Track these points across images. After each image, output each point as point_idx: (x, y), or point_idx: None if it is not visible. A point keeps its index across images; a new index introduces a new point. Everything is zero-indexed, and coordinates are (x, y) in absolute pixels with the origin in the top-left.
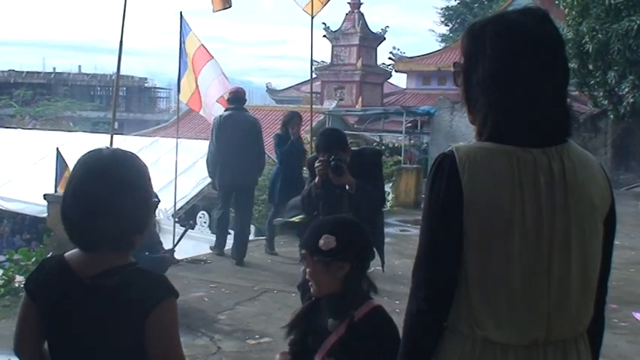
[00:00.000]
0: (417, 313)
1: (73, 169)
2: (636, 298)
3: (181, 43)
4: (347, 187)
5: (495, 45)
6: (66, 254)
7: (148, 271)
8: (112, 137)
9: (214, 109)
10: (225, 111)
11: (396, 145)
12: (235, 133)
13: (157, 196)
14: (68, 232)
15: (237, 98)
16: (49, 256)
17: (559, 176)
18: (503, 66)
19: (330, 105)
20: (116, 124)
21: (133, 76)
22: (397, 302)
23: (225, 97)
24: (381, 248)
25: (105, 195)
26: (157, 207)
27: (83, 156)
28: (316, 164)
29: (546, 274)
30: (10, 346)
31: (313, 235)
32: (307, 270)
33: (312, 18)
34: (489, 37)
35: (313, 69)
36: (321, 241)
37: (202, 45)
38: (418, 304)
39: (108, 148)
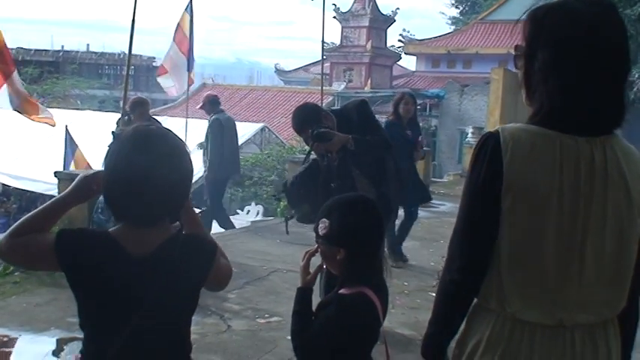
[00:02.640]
0: (449, 284)
1: (118, 145)
2: None
3: (191, 23)
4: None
5: (557, 33)
6: (111, 231)
7: (194, 235)
8: (122, 116)
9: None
10: (217, 114)
11: None
12: (234, 133)
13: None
14: (118, 208)
15: (219, 102)
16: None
17: (600, 167)
18: (563, 54)
19: (339, 86)
20: (122, 102)
21: (141, 55)
22: (406, 284)
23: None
24: (391, 189)
25: (158, 167)
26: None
27: (129, 132)
28: (310, 148)
29: (578, 260)
30: (21, 322)
31: (318, 218)
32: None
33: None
34: (551, 25)
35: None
36: (320, 225)
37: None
38: (452, 275)
39: (153, 125)
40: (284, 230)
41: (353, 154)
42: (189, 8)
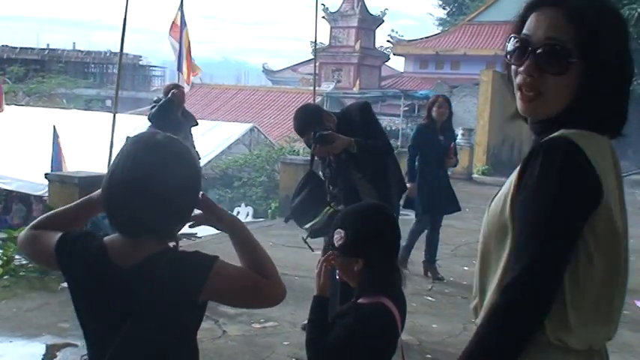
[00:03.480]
0: (526, 323)
1: (123, 151)
2: (637, 286)
3: (182, 21)
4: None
5: (619, 33)
6: (105, 239)
7: (187, 252)
8: (114, 116)
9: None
10: None
11: (393, 128)
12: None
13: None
14: (112, 217)
15: None
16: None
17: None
18: (625, 57)
19: (327, 87)
20: (109, 101)
21: (127, 54)
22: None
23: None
24: (393, 193)
25: (155, 179)
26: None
27: (134, 138)
28: (312, 150)
29: (623, 277)
30: (12, 327)
31: (333, 229)
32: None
33: None
34: (611, 24)
35: (311, 50)
36: (335, 236)
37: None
38: (524, 321)
39: (160, 133)
40: (276, 233)
41: (355, 157)
42: (181, 6)
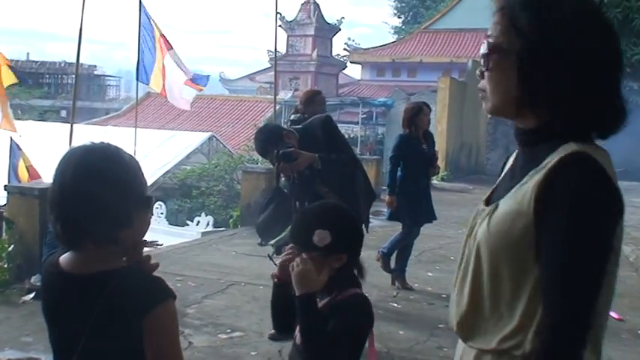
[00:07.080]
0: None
1: (59, 163)
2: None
3: (140, 30)
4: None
5: (572, 27)
6: (61, 257)
7: (143, 274)
8: (71, 127)
9: (184, 94)
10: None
11: (351, 135)
12: None
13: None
14: (54, 230)
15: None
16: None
17: None
18: (592, 54)
19: (285, 95)
20: (64, 112)
21: (82, 64)
22: (366, 294)
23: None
24: (361, 205)
25: (79, 188)
26: (149, 204)
27: (68, 150)
28: (276, 169)
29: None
30: None
31: (303, 230)
32: (297, 265)
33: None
34: (559, 18)
35: (268, 59)
36: (316, 238)
37: (162, 35)
38: (571, 347)
39: (93, 143)
40: (239, 242)
41: (320, 172)
42: (144, 16)
